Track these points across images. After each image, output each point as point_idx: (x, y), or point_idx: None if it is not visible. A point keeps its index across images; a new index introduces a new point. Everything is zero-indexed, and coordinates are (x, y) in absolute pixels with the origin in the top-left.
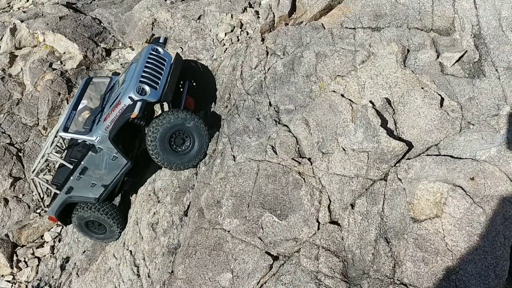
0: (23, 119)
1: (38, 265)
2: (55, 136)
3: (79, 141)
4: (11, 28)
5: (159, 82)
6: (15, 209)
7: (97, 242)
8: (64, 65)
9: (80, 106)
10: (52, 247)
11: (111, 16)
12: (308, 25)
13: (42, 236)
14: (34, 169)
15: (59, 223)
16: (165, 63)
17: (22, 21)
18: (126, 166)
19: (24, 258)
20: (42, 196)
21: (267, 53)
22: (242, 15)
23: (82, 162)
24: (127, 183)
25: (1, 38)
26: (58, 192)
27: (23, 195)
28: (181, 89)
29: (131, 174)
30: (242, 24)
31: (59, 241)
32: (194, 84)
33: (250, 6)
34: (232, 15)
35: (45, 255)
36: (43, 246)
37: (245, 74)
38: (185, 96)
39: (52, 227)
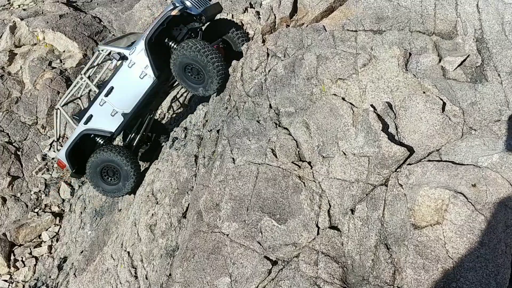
0: (22, 118)
1: (35, 265)
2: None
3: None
4: (10, 26)
5: (201, 5)
6: (13, 208)
7: (103, 194)
8: (64, 63)
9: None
10: (50, 247)
11: (111, 15)
12: (309, 27)
13: (39, 236)
14: (64, 99)
15: (67, 169)
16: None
17: (22, 19)
18: (153, 84)
19: (22, 258)
20: (59, 135)
21: (268, 54)
22: (242, 15)
23: (110, 82)
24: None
25: (1, 36)
26: (76, 125)
27: (21, 194)
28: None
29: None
30: (242, 24)
31: (57, 240)
32: (224, 45)
33: (251, 6)
34: (232, 15)
35: (42, 255)
36: (40, 246)
37: (245, 76)
38: (217, 43)
39: (50, 227)
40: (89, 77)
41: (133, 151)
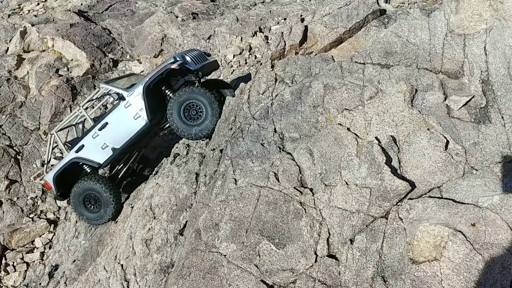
0: (24, 122)
1: (26, 271)
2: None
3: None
4: (21, 31)
5: (199, 62)
6: (8, 211)
7: (86, 222)
8: (71, 72)
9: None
10: (42, 254)
11: (122, 28)
12: (318, 56)
13: (33, 242)
14: (60, 125)
15: (52, 191)
16: (207, 58)
17: (33, 25)
18: (145, 126)
19: (13, 262)
20: (49, 159)
21: (276, 80)
22: (251, 38)
23: (105, 118)
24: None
25: (11, 39)
26: (68, 152)
27: (18, 198)
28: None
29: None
30: (251, 48)
31: (50, 248)
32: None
33: (260, 31)
34: (242, 38)
35: (34, 261)
36: (33, 252)
37: (252, 99)
38: None
39: (44, 233)
40: (86, 109)
41: (117, 182)
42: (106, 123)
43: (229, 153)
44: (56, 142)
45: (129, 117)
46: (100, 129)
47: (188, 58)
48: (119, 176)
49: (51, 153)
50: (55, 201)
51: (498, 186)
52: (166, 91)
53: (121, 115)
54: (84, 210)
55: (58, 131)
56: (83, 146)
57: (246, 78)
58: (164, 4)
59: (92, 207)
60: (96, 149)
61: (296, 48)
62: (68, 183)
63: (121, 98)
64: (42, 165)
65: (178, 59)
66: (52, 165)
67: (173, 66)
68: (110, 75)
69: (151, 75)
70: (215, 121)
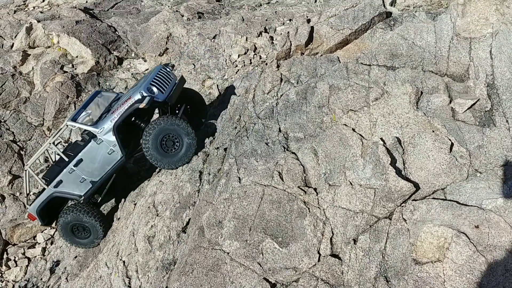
0: (28, 118)
1: (27, 266)
2: (59, 131)
3: (78, 141)
4: (27, 27)
5: (166, 88)
6: (10, 206)
7: (81, 248)
8: (76, 68)
9: (84, 113)
10: (44, 249)
11: (127, 26)
12: (323, 56)
13: (34, 237)
14: (31, 161)
15: (37, 222)
16: (172, 79)
17: (38, 21)
18: (120, 160)
19: (14, 257)
20: (28, 192)
21: (281, 80)
22: (256, 39)
23: (79, 154)
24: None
25: (16, 35)
26: (46, 187)
27: (20, 193)
28: (177, 111)
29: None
30: (255, 48)
31: (51, 243)
32: (189, 108)
33: (266, 31)
34: (247, 38)
35: (35, 256)
36: (34, 247)
37: (257, 98)
38: (180, 115)
39: (46, 229)
40: (56, 145)
41: (98, 203)
42: (81, 160)
43: (233, 151)
44: (32, 177)
45: (103, 153)
46: (75, 165)
47: (155, 89)
48: (99, 201)
49: (29, 186)
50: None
51: (502, 189)
52: (137, 121)
53: (94, 151)
54: (75, 238)
55: (31, 165)
56: (61, 181)
57: (251, 77)
58: (169, 3)
59: (81, 234)
60: (75, 183)
61: (302, 48)
62: (52, 210)
63: (92, 136)
64: (46, 161)
65: (145, 94)
66: (34, 194)
67: (141, 106)
68: (115, 73)
69: (120, 112)
70: (193, 150)
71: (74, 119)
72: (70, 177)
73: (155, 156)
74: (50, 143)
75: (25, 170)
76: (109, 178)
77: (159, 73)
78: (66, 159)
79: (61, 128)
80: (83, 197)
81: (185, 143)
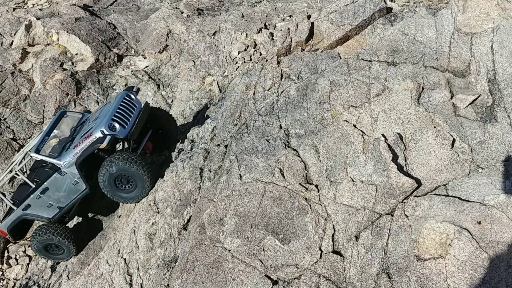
0: (28, 116)
1: (28, 264)
2: (25, 156)
3: (44, 165)
4: (26, 25)
5: (128, 122)
6: None
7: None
8: (75, 66)
9: (51, 134)
10: None
11: (127, 23)
12: (324, 53)
13: None
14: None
15: (9, 238)
16: (136, 108)
17: (38, 19)
18: (84, 191)
19: (15, 256)
20: None
21: (282, 76)
22: (257, 35)
23: (45, 183)
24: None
25: (15, 33)
26: (15, 208)
27: None
28: (145, 134)
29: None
30: (256, 44)
31: None
32: (160, 131)
33: (266, 27)
34: (247, 35)
35: (36, 254)
36: None
37: (258, 95)
38: (145, 142)
39: None
40: (22, 171)
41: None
42: (47, 188)
43: (234, 148)
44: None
45: (68, 183)
46: (41, 193)
47: (116, 126)
48: (67, 220)
49: None
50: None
51: (504, 184)
52: (100, 153)
53: (59, 181)
54: (51, 255)
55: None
56: (29, 205)
57: (251, 74)
58: (169, 0)
59: (55, 251)
60: (42, 207)
61: (302, 44)
62: (23, 226)
63: (56, 169)
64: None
65: (106, 132)
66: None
67: (101, 147)
68: (115, 70)
69: (81, 148)
70: (147, 190)
71: (38, 149)
72: (38, 202)
73: (109, 191)
74: (15, 171)
75: None
76: (76, 203)
77: (122, 103)
78: (33, 186)
79: (24, 158)
80: (52, 219)
81: (138, 184)
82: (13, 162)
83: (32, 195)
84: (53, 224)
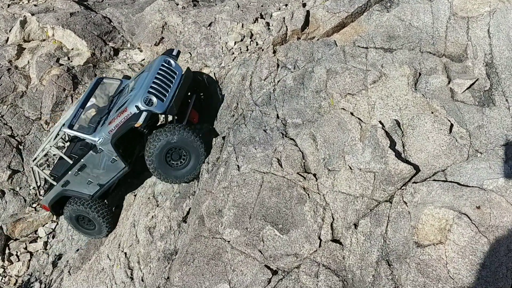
0: (26, 112)
1: (30, 260)
2: (59, 131)
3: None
4: (21, 21)
5: (167, 94)
6: (11, 201)
7: (86, 236)
8: (71, 61)
9: (88, 104)
10: (46, 243)
11: (122, 16)
12: (320, 40)
13: (36, 231)
14: (35, 158)
15: (51, 212)
16: (175, 76)
17: (32, 15)
18: (124, 170)
19: (17, 252)
20: (39, 185)
21: (278, 65)
22: (253, 25)
23: (82, 160)
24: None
25: (10, 29)
26: (54, 183)
27: (20, 188)
28: (189, 101)
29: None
30: (252, 34)
31: (53, 237)
32: (202, 95)
33: (262, 17)
34: (243, 25)
35: (37, 251)
36: (36, 241)
37: (254, 85)
38: (190, 110)
39: (47, 223)
40: (58, 147)
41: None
42: (85, 165)
43: (231, 140)
44: (38, 172)
45: (105, 161)
46: (79, 170)
47: (153, 99)
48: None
49: (39, 179)
50: None
51: (503, 168)
52: (140, 128)
53: (96, 159)
54: (80, 227)
55: (36, 164)
56: (68, 182)
57: (248, 64)
58: None
59: (86, 225)
60: (82, 184)
61: (298, 33)
62: (64, 203)
63: (90, 147)
64: (45, 155)
65: (142, 107)
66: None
67: (136, 125)
68: (111, 64)
69: (116, 124)
70: (201, 162)
71: (71, 124)
72: (76, 179)
73: (157, 169)
74: (50, 146)
75: (31, 168)
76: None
77: (160, 71)
78: (70, 162)
79: (58, 134)
80: (93, 196)
81: (192, 157)
82: (48, 137)
83: (70, 172)
84: (87, 199)
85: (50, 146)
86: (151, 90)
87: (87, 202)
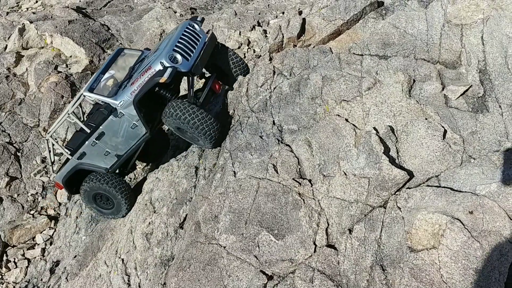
0: (24, 119)
1: (27, 267)
2: (79, 97)
3: (100, 109)
4: (19, 28)
5: (192, 54)
6: (8, 208)
7: (104, 217)
8: (70, 68)
9: (107, 75)
10: (43, 250)
11: (120, 24)
12: (316, 48)
13: (33, 238)
14: (51, 130)
15: (64, 190)
16: (200, 39)
17: (31, 22)
18: (144, 136)
19: (14, 259)
20: (53, 161)
21: (274, 72)
22: (250, 33)
23: (100, 127)
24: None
25: (9, 37)
26: (70, 157)
27: (18, 195)
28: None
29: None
30: (249, 42)
31: (51, 244)
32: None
33: (259, 25)
34: (240, 32)
35: (35, 257)
36: (34, 248)
37: (251, 92)
38: (212, 82)
39: (45, 229)
40: (76, 115)
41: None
42: (103, 133)
43: (228, 146)
44: (53, 144)
45: (126, 127)
46: (97, 139)
47: (178, 57)
48: (127, 169)
49: (53, 154)
50: (55, 197)
51: (496, 174)
52: (162, 92)
53: (116, 125)
54: (97, 207)
55: (51, 136)
56: (84, 153)
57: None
58: (162, 0)
59: (104, 203)
60: (99, 155)
61: (294, 40)
62: (79, 179)
63: (111, 109)
64: (42, 161)
65: (167, 64)
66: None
67: (161, 81)
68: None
69: (139, 84)
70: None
71: (91, 88)
72: (93, 150)
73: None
74: (69, 114)
75: (46, 140)
76: (136, 151)
77: (185, 33)
78: (88, 131)
79: (79, 98)
80: (110, 170)
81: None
82: (69, 106)
83: (87, 142)
84: (111, 174)
85: (69, 114)
86: (176, 48)
87: (105, 178)
